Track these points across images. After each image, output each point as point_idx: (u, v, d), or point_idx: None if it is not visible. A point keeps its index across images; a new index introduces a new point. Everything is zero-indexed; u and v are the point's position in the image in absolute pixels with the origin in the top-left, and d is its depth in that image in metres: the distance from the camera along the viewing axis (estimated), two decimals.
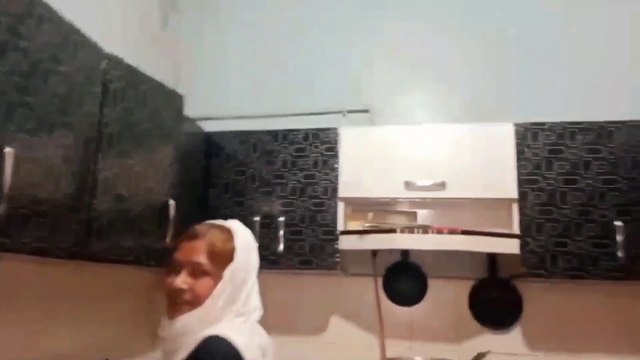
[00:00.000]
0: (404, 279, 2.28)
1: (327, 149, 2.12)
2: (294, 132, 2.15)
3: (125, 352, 2.10)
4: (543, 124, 1.99)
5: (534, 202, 1.94)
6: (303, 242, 2.06)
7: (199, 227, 1.16)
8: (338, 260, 2.04)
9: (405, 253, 2.28)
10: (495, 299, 2.18)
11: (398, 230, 1.97)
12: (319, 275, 2.25)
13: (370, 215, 2.25)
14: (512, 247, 1.92)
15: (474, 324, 2.18)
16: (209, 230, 1.14)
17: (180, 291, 1.08)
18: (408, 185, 2.04)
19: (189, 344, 1.03)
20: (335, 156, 2.11)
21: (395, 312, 2.28)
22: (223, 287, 1.09)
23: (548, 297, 2.14)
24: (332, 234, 2.05)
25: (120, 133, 1.51)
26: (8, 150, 1.07)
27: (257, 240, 1.98)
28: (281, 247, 2.04)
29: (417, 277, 2.27)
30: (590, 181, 1.91)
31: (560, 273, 1.86)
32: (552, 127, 1.98)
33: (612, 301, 2.09)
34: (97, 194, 1.39)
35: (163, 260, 1.74)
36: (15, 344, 1.50)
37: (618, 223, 1.83)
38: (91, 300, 1.89)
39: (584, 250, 1.86)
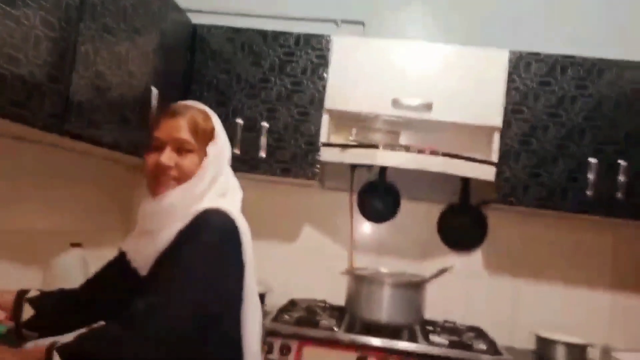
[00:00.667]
0: (378, 197, 2.33)
1: (318, 57, 2.05)
2: (285, 35, 2.06)
3: (99, 241, 2.11)
4: (538, 54, 1.98)
5: (515, 132, 1.96)
6: (284, 150, 2.04)
7: (177, 106, 1.13)
8: (317, 171, 2.04)
9: (382, 172, 2.31)
10: (463, 224, 2.27)
11: (380, 147, 1.98)
12: (296, 185, 2.26)
13: (354, 130, 2.24)
14: (488, 173, 1.97)
15: (440, 245, 2.28)
16: (188, 109, 1.12)
17: (167, 168, 1.07)
18: (395, 103, 2.02)
19: (176, 220, 1.03)
20: (325, 65, 2.04)
21: (367, 228, 2.35)
22: (208, 164, 1.09)
23: (513, 226, 2.24)
24: (314, 145, 2.04)
25: (104, 4, 1.40)
26: None
27: (238, 144, 2.01)
28: (262, 153, 2.02)
29: (391, 196, 2.32)
30: (573, 116, 1.94)
31: (530, 202, 1.94)
32: (546, 59, 1.97)
33: (572, 235, 2.21)
34: (76, 67, 1.31)
35: (142, 150, 1.72)
36: None
37: (592, 160, 1.89)
38: (67, 186, 1.87)
39: (556, 183, 1.93)
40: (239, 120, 2.02)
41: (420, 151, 1.95)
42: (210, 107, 2.01)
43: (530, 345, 2.05)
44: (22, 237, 1.64)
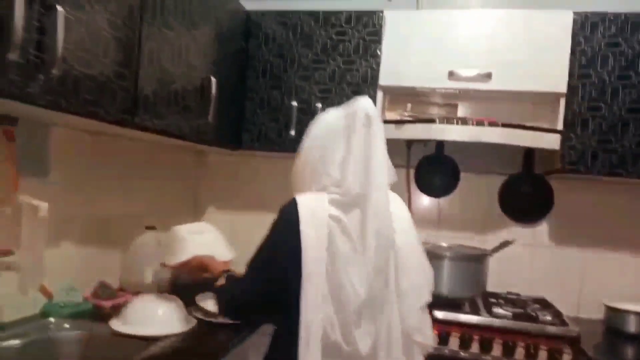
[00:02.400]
0: (436, 171, 2.31)
1: (370, 33, 2.04)
2: (336, 14, 2.06)
3: (170, 223, 2.25)
4: (604, 13, 1.85)
5: (583, 97, 1.87)
6: None
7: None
8: None
9: (440, 146, 2.28)
10: (526, 194, 2.21)
11: (437, 121, 1.95)
12: None
13: (409, 105, 2.22)
14: (552, 142, 1.89)
15: (503, 217, 2.23)
16: None
17: None
18: (452, 74, 1.97)
19: None
20: (378, 41, 2.03)
21: (425, 202, 2.35)
22: None
23: (579, 195, 2.15)
24: None
25: (163, 3, 1.48)
26: (60, 9, 1.07)
27: (293, 126, 2.06)
28: None
29: (450, 170, 2.29)
30: None
31: (599, 170, 1.85)
32: (614, 18, 1.84)
33: None
34: (142, 64, 1.40)
35: (205, 137, 1.82)
36: (71, 204, 1.63)
37: None
38: (140, 174, 2.02)
39: (627, 149, 1.82)
40: (294, 103, 2.07)
41: (479, 123, 1.91)
42: (265, 91, 2.12)
43: (599, 315, 1.98)
44: (102, 222, 1.80)
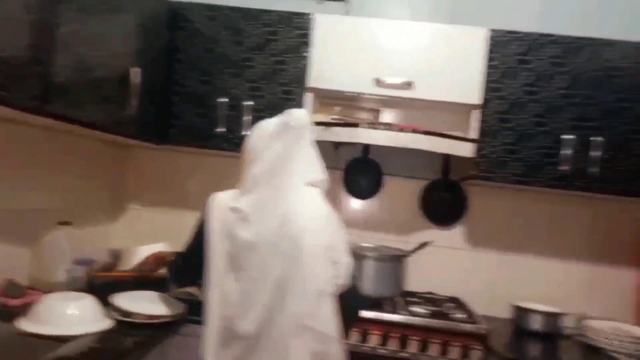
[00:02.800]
0: (362, 174, 2.38)
1: (300, 35, 2.06)
2: (266, 13, 2.06)
3: (88, 219, 2.14)
4: (516, 32, 2.00)
5: (494, 110, 2.00)
6: None
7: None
8: None
9: (366, 149, 2.36)
10: (444, 199, 2.33)
11: (362, 125, 2.01)
12: None
13: (337, 109, 2.27)
14: (467, 150, 2.02)
15: (422, 220, 2.34)
16: None
17: None
18: (377, 82, 2.05)
19: None
20: (308, 43, 2.06)
21: (351, 204, 2.41)
22: None
23: (492, 201, 2.31)
24: None
25: None
26: None
27: (222, 122, 2.03)
28: (246, 131, 2.04)
29: (375, 173, 2.37)
30: (550, 94, 1.98)
31: (508, 178, 1.99)
32: (524, 37, 2.00)
33: (550, 210, 2.28)
34: (57, 49, 1.32)
35: (126, 129, 1.74)
36: None
37: (567, 137, 1.95)
38: (56, 166, 1.90)
39: (532, 159, 1.98)
40: (223, 99, 2.04)
41: (401, 129, 1.99)
42: (194, 85, 2.07)
43: (507, 314, 2.13)
44: (9, 216, 1.67)
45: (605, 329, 1.85)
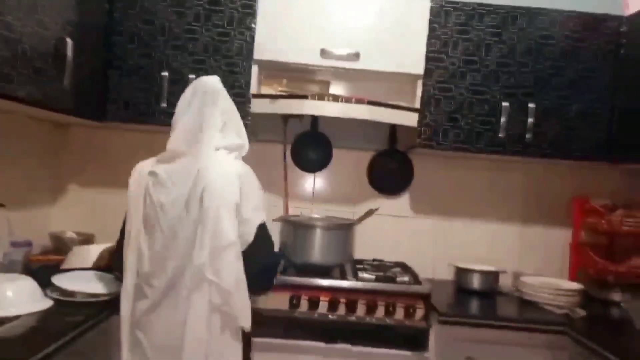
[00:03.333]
0: (311, 147, 2.40)
1: (244, 6, 2.02)
2: None
3: (23, 201, 2.07)
4: (456, 2, 2.05)
5: (436, 79, 2.06)
6: None
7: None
8: (249, 123, 2.05)
9: (314, 123, 2.37)
10: (391, 169, 2.40)
11: (309, 97, 2.02)
12: None
13: (284, 81, 2.27)
14: (411, 120, 2.07)
15: (370, 190, 2.40)
16: None
17: None
18: (324, 52, 2.05)
19: None
20: (253, 15, 2.02)
21: (301, 177, 2.43)
22: None
23: (436, 169, 2.39)
24: (244, 97, 2.04)
25: None
26: None
27: (165, 97, 1.99)
28: None
29: (324, 146, 2.40)
30: (488, 63, 2.05)
31: (449, 145, 2.06)
32: (464, 7, 2.05)
33: (488, 175, 2.39)
34: None
35: (60, 104, 1.67)
36: None
37: (504, 104, 2.03)
38: None
39: (472, 126, 2.06)
40: (165, 73, 1.99)
41: (347, 100, 2.02)
42: (134, 59, 2.01)
43: (450, 276, 2.24)
44: None
45: (538, 284, 1.98)
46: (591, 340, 1.59)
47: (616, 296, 2.06)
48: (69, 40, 1.60)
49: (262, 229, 1.46)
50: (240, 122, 1.60)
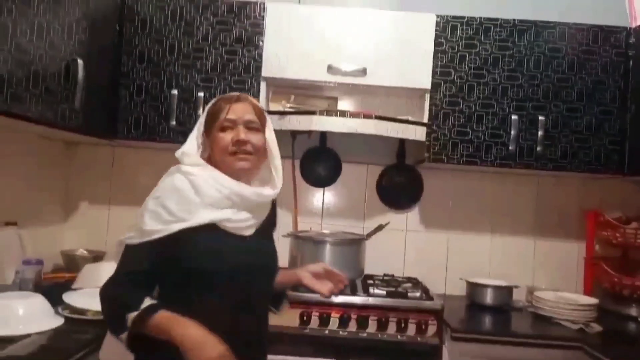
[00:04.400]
0: (320, 162, 2.40)
1: (252, 25, 2.05)
2: (217, 3, 2.05)
3: (35, 218, 2.08)
4: (462, 17, 2.06)
5: (444, 93, 2.06)
6: None
7: (237, 94, 1.30)
8: None
9: (323, 138, 2.38)
10: (400, 183, 2.39)
11: (317, 113, 2.03)
12: None
13: (292, 97, 2.28)
14: (419, 134, 2.07)
15: (380, 205, 2.39)
16: (247, 97, 1.31)
17: (244, 142, 1.22)
18: (331, 69, 2.07)
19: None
20: (260, 33, 2.05)
21: (310, 192, 2.43)
22: (274, 145, 1.30)
23: (445, 183, 2.38)
24: None
25: None
26: None
27: (174, 115, 2.01)
28: None
29: (332, 161, 2.40)
30: (496, 76, 2.05)
31: (459, 159, 2.05)
32: (470, 22, 2.06)
33: (499, 188, 2.37)
34: None
35: (71, 124, 1.70)
36: None
37: (514, 117, 2.02)
38: (0, 166, 1.82)
39: (481, 140, 2.05)
40: (174, 92, 2.02)
41: (355, 115, 2.02)
42: (143, 78, 2.04)
43: (463, 291, 2.21)
44: None
45: (553, 299, 1.94)
46: (607, 355, 1.56)
47: (632, 310, 2.02)
48: (79, 61, 1.63)
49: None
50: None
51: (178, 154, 1.28)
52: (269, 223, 1.35)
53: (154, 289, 1.20)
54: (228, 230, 1.21)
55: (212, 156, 1.27)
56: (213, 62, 2.06)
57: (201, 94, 2.03)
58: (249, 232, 1.24)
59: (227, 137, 1.23)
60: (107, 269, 1.81)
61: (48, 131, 1.79)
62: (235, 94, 1.30)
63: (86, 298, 1.57)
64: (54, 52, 1.54)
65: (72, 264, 2.10)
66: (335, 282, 1.40)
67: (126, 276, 1.16)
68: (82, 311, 1.50)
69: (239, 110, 1.25)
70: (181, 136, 2.03)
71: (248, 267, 1.21)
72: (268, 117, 1.32)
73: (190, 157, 1.26)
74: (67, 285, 1.80)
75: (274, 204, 1.39)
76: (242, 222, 1.23)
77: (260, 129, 1.27)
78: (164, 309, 1.10)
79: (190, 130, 2.01)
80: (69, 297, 1.56)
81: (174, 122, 2.01)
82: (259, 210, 1.28)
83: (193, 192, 1.18)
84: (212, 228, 1.18)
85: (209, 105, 1.31)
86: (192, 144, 1.29)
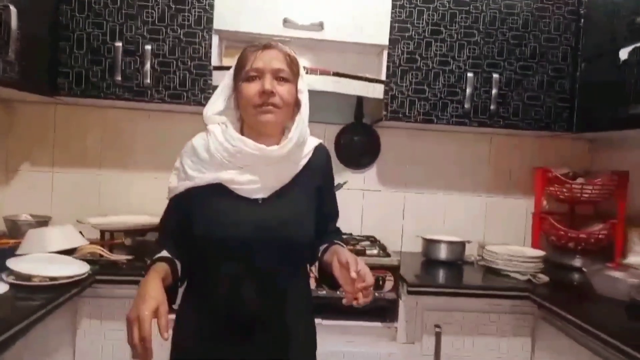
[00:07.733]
0: None
1: None
2: None
3: None
4: None
5: (401, 50, 2.03)
6: (172, 75, 1.95)
7: (267, 41, 1.18)
8: (210, 96, 1.98)
9: None
10: (357, 143, 2.37)
11: None
12: (190, 113, 2.19)
13: None
14: (378, 92, 2.04)
15: (338, 164, 2.37)
16: (277, 43, 1.18)
17: (270, 94, 1.10)
18: (286, 22, 1.99)
19: (302, 151, 1.20)
20: None
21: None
22: (305, 97, 1.19)
23: (402, 142, 2.39)
24: (204, 69, 1.96)
25: None
26: None
27: (119, 69, 1.89)
28: (147, 79, 1.92)
29: None
30: (453, 33, 2.03)
31: (415, 117, 2.05)
32: None
33: (454, 147, 2.41)
34: None
35: (6, 77, 1.56)
36: None
37: (469, 74, 2.03)
38: None
39: (438, 97, 2.05)
40: (118, 44, 1.89)
41: (312, 71, 1.97)
42: (85, 29, 1.90)
43: (418, 248, 2.26)
44: None
45: (502, 252, 2.02)
46: (553, 304, 1.64)
47: (576, 261, 2.13)
48: (12, 8, 1.48)
49: None
50: None
51: (203, 112, 1.21)
52: (311, 182, 1.21)
53: (184, 246, 1.16)
54: (238, 193, 1.13)
55: (241, 113, 1.18)
56: (160, 12, 1.93)
57: (148, 47, 1.91)
58: (260, 195, 1.14)
59: (252, 87, 1.11)
60: (52, 234, 1.75)
61: None
62: (263, 41, 1.18)
63: (32, 263, 1.50)
64: None
65: (15, 230, 1.99)
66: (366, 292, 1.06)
67: (160, 227, 1.25)
68: (27, 277, 1.43)
69: (267, 58, 1.12)
70: (127, 92, 1.92)
71: (252, 234, 1.10)
72: (302, 67, 1.19)
73: (210, 117, 1.18)
74: (12, 252, 1.70)
75: (327, 158, 1.31)
76: (247, 185, 1.12)
77: (292, 79, 1.15)
78: (168, 262, 1.12)
79: (139, 85, 1.93)
80: (13, 263, 1.47)
81: (119, 77, 1.89)
82: (273, 169, 1.15)
83: (205, 151, 1.14)
84: (222, 190, 1.12)
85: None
86: (216, 102, 1.19)
